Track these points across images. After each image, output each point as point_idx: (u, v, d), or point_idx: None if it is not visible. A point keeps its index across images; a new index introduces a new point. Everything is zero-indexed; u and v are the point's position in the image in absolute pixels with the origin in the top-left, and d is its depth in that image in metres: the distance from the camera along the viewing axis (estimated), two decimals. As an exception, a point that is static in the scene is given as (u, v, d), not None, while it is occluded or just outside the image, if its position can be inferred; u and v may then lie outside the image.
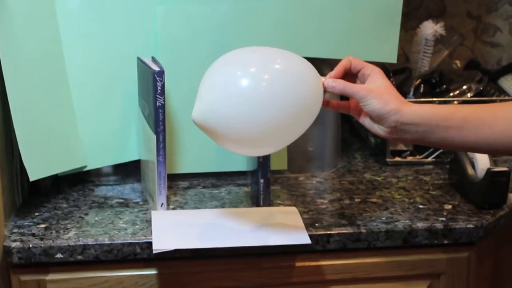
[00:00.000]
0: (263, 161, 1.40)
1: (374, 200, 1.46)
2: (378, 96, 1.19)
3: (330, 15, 1.52)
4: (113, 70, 1.48)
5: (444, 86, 1.72)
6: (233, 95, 1.16)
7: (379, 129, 1.21)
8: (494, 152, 1.29)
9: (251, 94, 1.16)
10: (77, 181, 1.54)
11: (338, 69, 1.24)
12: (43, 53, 1.41)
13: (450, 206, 1.43)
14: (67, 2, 1.44)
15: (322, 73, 1.25)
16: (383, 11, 1.53)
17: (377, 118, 1.20)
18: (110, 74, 1.48)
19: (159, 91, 1.33)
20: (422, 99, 1.68)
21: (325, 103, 1.25)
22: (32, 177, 1.32)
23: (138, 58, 1.43)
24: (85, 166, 1.49)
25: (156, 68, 1.34)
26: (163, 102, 1.33)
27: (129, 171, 1.55)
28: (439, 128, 1.17)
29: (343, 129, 1.76)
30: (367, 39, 1.55)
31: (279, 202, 1.46)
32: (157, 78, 1.32)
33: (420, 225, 1.34)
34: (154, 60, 1.42)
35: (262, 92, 1.16)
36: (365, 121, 1.23)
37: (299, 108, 1.19)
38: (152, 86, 1.32)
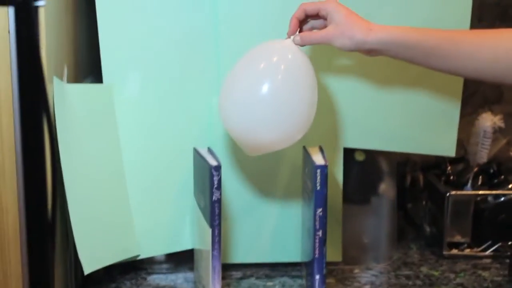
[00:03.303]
0: (319, 256, 1.38)
1: (432, 297, 1.43)
2: (339, 36, 1.23)
3: (392, 109, 1.51)
4: (169, 160, 1.48)
5: (502, 177, 1.68)
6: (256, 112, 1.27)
7: None
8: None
9: (273, 99, 1.26)
10: (130, 268, 1.53)
11: (293, 23, 1.28)
12: (100, 143, 1.42)
13: (511, 306, 1.39)
14: (124, 92, 1.45)
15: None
16: (442, 106, 1.52)
17: (353, 50, 1.25)
18: (166, 164, 1.48)
19: (216, 186, 1.32)
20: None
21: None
22: (86, 271, 1.32)
23: (195, 149, 1.43)
24: (138, 255, 1.48)
25: (214, 162, 1.33)
26: (219, 197, 1.32)
27: (182, 258, 1.54)
28: (408, 54, 1.24)
29: (398, 216, 1.72)
30: (425, 132, 1.53)
31: (334, 297, 1.43)
32: (214, 173, 1.31)
33: (480, 327, 1.31)
34: (210, 151, 1.41)
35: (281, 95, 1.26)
36: None
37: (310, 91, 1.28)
38: (209, 180, 1.32)
